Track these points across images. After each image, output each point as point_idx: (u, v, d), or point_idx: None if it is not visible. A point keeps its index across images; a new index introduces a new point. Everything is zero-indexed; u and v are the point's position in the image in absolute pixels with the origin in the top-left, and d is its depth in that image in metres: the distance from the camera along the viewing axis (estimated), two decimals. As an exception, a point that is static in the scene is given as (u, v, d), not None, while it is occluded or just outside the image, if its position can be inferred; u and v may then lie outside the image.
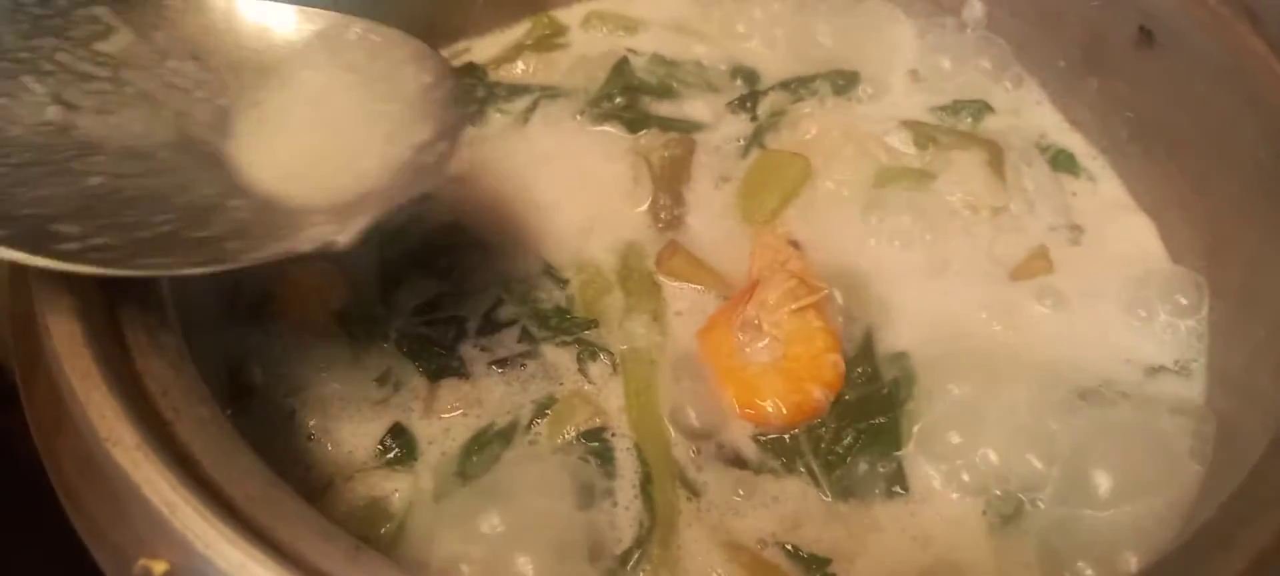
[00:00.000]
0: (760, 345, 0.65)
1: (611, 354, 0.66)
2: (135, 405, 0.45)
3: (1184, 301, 0.68)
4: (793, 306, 0.65)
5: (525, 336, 0.68)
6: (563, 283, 0.70)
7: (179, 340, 0.51)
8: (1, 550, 0.76)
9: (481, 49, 0.87)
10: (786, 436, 0.63)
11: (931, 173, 0.76)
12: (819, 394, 0.63)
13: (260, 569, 0.41)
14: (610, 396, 0.65)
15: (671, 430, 0.63)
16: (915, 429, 0.63)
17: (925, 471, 0.62)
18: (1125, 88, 0.75)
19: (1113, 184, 0.77)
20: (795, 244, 0.72)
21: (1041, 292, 0.70)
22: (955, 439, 0.62)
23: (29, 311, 0.48)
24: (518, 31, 0.88)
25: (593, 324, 0.68)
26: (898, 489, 0.61)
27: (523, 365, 0.66)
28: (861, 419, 0.63)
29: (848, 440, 0.62)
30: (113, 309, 0.50)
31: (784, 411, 0.63)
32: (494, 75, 0.85)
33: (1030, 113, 0.82)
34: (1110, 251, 0.73)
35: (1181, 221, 0.72)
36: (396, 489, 0.61)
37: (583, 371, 0.66)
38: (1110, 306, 0.70)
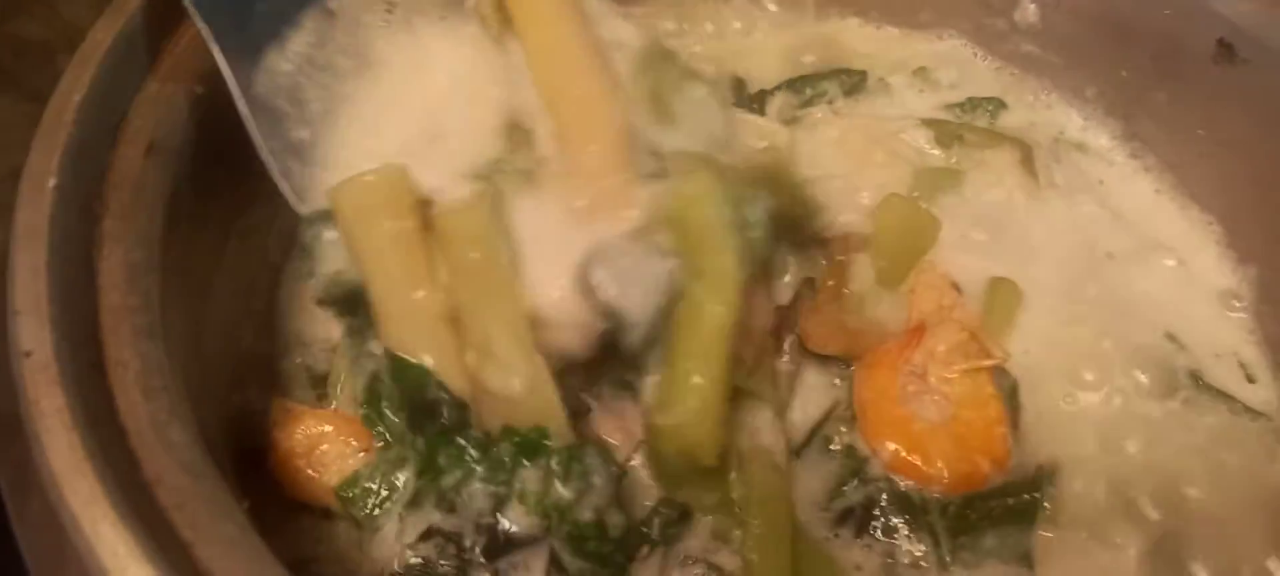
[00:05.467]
0: (928, 399, 0.59)
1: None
2: (151, 530, 0.39)
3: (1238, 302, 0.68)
4: (965, 365, 0.60)
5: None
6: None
7: (192, 435, 0.44)
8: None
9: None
10: (916, 496, 0.58)
11: (961, 171, 0.72)
12: (987, 467, 0.58)
13: None
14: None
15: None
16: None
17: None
18: (1198, 101, 0.70)
19: (1144, 179, 0.75)
20: (957, 287, 0.65)
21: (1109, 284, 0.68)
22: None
23: (14, 411, 0.41)
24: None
25: None
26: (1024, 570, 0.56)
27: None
28: (1004, 494, 0.58)
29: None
30: (112, 402, 0.43)
31: (946, 477, 0.57)
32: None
33: (1046, 111, 0.79)
34: (1157, 242, 0.71)
35: (1251, 225, 0.69)
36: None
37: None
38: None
